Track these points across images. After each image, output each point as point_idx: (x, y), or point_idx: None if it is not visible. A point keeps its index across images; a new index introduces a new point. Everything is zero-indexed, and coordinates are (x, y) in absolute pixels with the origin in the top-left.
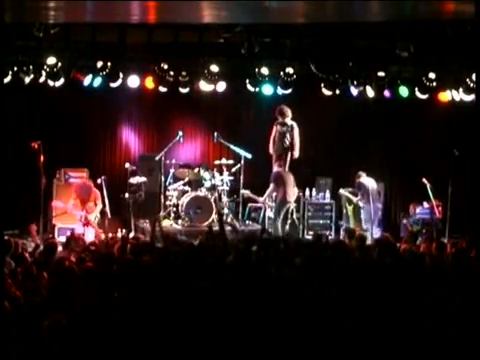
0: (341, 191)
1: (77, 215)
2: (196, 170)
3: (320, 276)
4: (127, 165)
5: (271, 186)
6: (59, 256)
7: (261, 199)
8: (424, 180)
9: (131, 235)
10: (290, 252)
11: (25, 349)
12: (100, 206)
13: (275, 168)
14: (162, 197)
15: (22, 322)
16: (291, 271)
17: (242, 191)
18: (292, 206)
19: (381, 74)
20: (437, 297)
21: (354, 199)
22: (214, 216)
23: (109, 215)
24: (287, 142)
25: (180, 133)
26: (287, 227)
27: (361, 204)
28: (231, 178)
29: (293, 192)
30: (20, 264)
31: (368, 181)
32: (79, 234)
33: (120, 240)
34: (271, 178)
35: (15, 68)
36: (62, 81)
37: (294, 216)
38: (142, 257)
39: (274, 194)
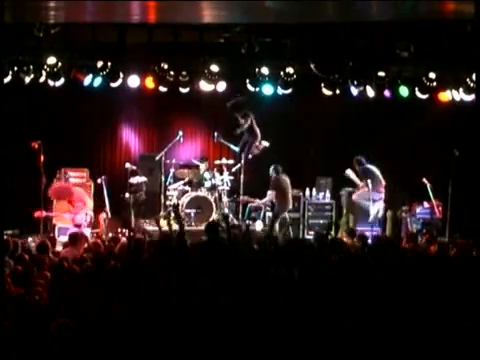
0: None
1: (67, 218)
2: (201, 163)
3: (320, 276)
4: (127, 165)
5: (271, 193)
6: (61, 255)
7: (258, 201)
8: (424, 180)
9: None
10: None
11: (26, 348)
12: (89, 204)
13: (272, 173)
14: (162, 197)
15: (23, 321)
16: (290, 271)
17: (241, 197)
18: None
19: (381, 74)
20: (438, 296)
21: (359, 182)
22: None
23: (109, 215)
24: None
25: (180, 133)
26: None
27: (368, 188)
28: (231, 178)
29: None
30: (20, 264)
31: (374, 168)
32: (82, 232)
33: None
34: (271, 185)
35: (15, 68)
36: (62, 81)
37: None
38: (143, 256)
39: (274, 200)
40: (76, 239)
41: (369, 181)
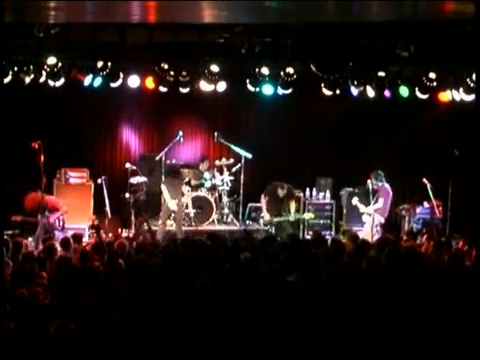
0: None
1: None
2: (201, 163)
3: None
4: (127, 165)
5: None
6: (60, 256)
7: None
8: (424, 180)
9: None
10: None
11: (27, 348)
12: (63, 209)
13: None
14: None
15: (25, 321)
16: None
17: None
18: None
19: (381, 74)
20: (436, 296)
21: (366, 208)
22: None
23: (109, 215)
24: None
25: (180, 133)
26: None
27: (371, 210)
28: (231, 178)
29: None
30: (24, 263)
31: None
32: (78, 233)
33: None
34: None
35: (15, 68)
36: (62, 81)
37: None
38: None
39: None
40: (67, 244)
41: (381, 200)
